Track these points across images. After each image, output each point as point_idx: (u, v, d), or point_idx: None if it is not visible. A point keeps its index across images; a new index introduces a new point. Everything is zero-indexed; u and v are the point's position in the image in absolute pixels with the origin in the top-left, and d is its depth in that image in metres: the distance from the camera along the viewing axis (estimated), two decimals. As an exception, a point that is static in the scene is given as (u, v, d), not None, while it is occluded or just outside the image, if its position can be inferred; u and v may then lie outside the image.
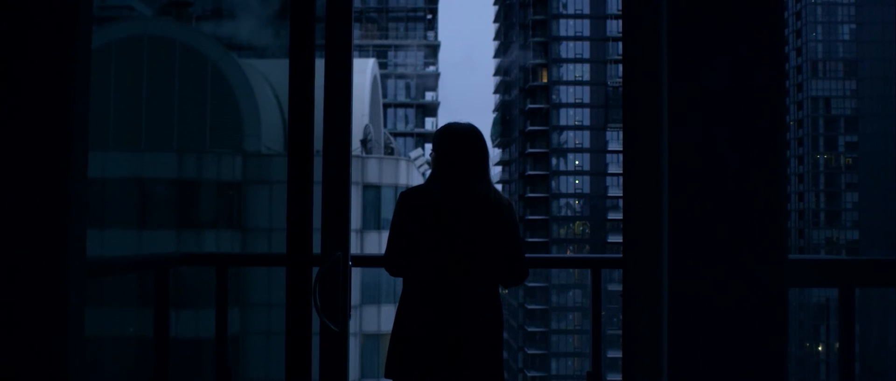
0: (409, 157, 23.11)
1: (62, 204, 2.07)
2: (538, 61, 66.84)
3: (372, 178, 20.15)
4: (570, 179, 66.03)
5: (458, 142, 2.78)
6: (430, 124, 59.69)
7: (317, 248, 2.31)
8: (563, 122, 66.57)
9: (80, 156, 2.10)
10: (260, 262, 9.89)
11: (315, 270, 2.25)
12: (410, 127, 59.77)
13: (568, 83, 66.74)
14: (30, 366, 2.05)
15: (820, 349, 50.91)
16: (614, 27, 65.61)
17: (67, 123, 2.07)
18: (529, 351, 61.03)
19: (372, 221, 19.88)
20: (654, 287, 2.09)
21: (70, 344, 2.06)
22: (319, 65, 2.43)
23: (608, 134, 65.57)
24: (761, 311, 1.99)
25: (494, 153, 77.05)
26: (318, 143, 2.55)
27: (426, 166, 23.13)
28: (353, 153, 20.05)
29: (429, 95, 60.83)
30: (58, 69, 2.06)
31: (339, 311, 2.45)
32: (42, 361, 2.06)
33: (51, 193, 2.06)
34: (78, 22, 2.07)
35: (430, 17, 61.46)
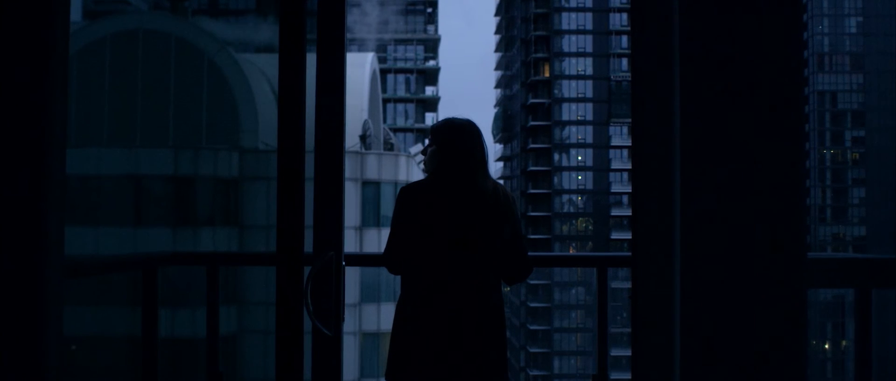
0: (409, 152, 23.04)
1: (38, 203, 2.00)
2: (540, 55, 66.70)
3: (371, 174, 20.10)
4: (573, 175, 65.91)
5: (458, 136, 2.75)
6: (430, 120, 59.70)
7: (309, 247, 2.23)
8: (565, 117, 66.43)
9: (57, 153, 2.04)
10: (250, 261, 9.79)
11: (307, 270, 2.17)
12: (410, 122, 59.77)
13: (570, 78, 66.60)
14: (5, 369, 1.99)
15: (826, 347, 50.85)
16: (617, 20, 65.47)
17: (43, 120, 2.01)
18: (531, 350, 61.03)
19: (371, 218, 19.83)
20: (665, 287, 2.01)
21: (47, 346, 2.00)
22: (313, 60, 2.34)
23: (611, 129, 65.38)
24: (779, 312, 1.91)
25: (496, 149, 77.07)
26: (313, 140, 2.46)
27: (427, 163, 23.03)
28: (353, 149, 20.01)
29: (429, 90, 60.85)
30: (33, 65, 1.99)
31: (332, 314, 2.37)
32: (18, 364, 2.00)
33: (25, 192, 1.99)
34: (55, 15, 2.00)
35: (430, 10, 61.40)
